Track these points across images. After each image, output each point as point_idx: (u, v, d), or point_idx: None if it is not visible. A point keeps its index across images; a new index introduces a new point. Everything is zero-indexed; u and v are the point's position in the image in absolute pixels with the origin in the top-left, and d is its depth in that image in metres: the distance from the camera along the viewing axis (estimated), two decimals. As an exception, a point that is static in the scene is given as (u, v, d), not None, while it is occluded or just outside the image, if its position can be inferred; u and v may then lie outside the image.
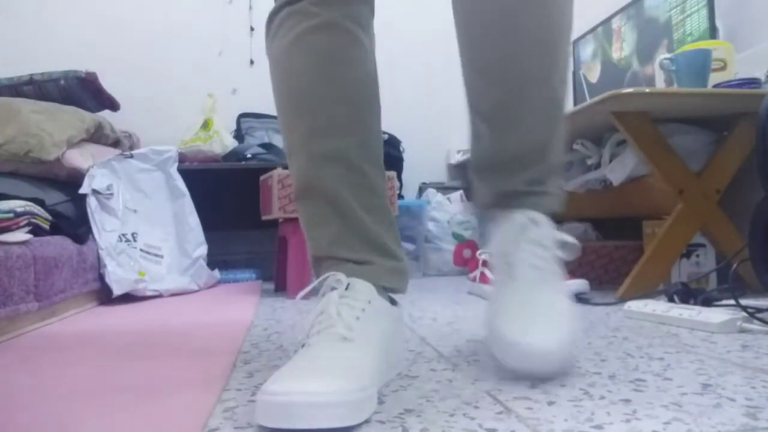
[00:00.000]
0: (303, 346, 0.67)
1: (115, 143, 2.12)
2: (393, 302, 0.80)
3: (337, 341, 0.65)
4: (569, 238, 0.80)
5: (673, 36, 1.78)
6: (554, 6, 0.79)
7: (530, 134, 0.80)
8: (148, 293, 1.74)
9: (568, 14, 0.81)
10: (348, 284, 0.71)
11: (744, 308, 1.04)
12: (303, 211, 0.82)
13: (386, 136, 2.48)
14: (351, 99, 0.79)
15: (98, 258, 1.64)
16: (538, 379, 0.70)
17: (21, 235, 1.28)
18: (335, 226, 0.77)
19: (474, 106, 0.85)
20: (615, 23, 2.10)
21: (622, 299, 1.37)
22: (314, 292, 0.74)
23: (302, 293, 0.74)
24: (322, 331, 0.66)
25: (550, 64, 0.79)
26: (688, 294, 1.21)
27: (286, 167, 1.75)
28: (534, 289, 0.75)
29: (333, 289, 0.71)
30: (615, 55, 2.11)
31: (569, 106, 2.32)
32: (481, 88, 0.83)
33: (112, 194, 1.73)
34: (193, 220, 1.97)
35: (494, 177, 0.84)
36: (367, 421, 0.57)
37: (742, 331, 1.00)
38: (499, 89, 0.80)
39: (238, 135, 2.51)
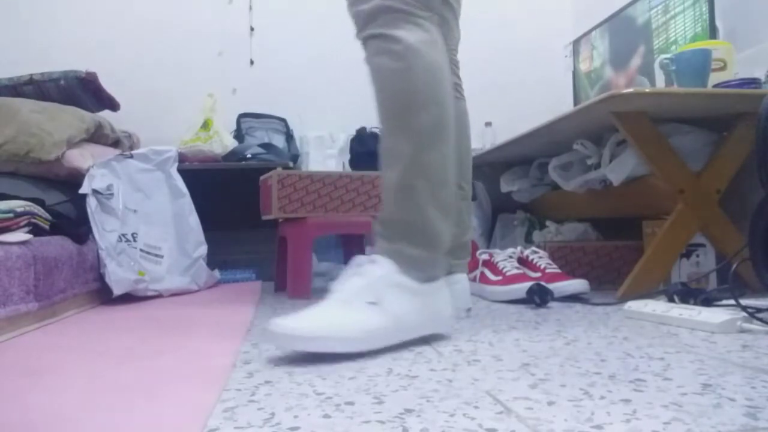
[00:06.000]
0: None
1: (115, 143, 2.12)
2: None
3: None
4: None
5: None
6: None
7: None
8: (148, 293, 1.74)
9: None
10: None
11: (744, 308, 1.04)
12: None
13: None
14: None
15: (98, 258, 1.64)
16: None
17: (21, 235, 1.28)
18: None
19: None
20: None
21: (622, 299, 1.37)
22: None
23: None
24: None
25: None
26: (688, 294, 1.21)
27: (285, 167, 1.75)
28: None
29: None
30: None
31: (569, 106, 2.33)
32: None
33: (112, 194, 1.73)
34: (193, 220, 1.97)
35: None
36: (367, 421, 0.58)
37: (742, 331, 1.00)
38: None
39: (238, 135, 2.51)
